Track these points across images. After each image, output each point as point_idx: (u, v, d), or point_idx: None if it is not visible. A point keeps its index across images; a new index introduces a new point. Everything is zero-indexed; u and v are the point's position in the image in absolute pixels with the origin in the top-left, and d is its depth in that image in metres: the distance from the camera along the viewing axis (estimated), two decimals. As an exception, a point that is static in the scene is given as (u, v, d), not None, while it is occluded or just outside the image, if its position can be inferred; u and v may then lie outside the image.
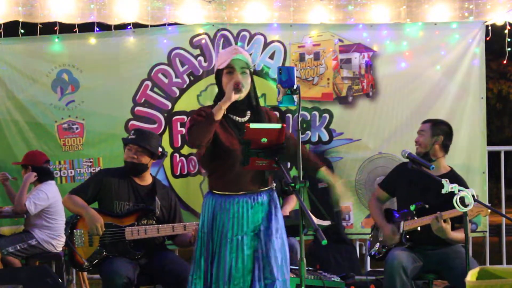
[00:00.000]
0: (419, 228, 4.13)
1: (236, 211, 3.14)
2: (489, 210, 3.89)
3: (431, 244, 4.16)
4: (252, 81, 3.24)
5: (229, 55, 3.19)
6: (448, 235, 3.98)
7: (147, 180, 4.32)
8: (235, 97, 3.10)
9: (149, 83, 5.68)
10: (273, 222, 3.17)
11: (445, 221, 3.96)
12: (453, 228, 4.02)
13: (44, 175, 5.30)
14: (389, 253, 4.13)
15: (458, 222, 3.97)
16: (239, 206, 3.14)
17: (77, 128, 5.67)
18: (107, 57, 5.70)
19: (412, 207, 4.18)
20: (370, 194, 5.56)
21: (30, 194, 5.21)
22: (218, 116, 3.09)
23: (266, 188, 3.21)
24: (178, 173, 5.69)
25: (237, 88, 3.10)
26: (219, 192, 3.19)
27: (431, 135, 4.28)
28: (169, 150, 5.61)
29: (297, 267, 3.84)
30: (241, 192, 3.16)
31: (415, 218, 4.16)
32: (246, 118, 3.23)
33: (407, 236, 4.18)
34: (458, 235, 4.01)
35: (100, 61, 5.71)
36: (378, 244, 4.38)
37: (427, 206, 4.14)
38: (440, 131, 4.30)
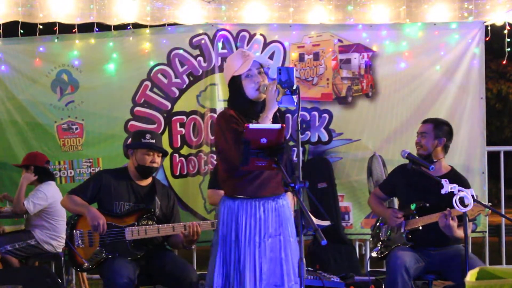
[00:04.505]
0: (420, 227, 4.12)
1: (262, 214, 3.15)
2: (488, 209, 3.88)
3: (433, 244, 4.15)
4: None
5: (246, 58, 3.15)
6: (454, 233, 3.96)
7: (147, 180, 4.32)
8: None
9: (148, 83, 5.68)
10: (289, 225, 3.20)
11: (452, 218, 3.93)
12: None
13: (45, 175, 5.30)
14: (392, 252, 4.12)
15: (460, 220, 3.96)
16: (265, 209, 3.16)
17: (76, 129, 5.66)
18: (106, 57, 5.70)
19: (412, 206, 4.17)
20: (367, 194, 5.58)
21: (29, 194, 5.21)
22: None
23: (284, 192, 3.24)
24: (178, 173, 5.69)
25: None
26: (243, 196, 3.19)
27: (434, 137, 4.21)
28: (168, 150, 5.58)
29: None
30: (267, 196, 3.18)
31: (416, 217, 4.16)
32: None
33: (409, 236, 4.18)
34: (462, 233, 3.99)
35: (99, 61, 5.71)
36: (380, 243, 4.37)
37: (427, 204, 4.13)
38: (442, 134, 4.23)
